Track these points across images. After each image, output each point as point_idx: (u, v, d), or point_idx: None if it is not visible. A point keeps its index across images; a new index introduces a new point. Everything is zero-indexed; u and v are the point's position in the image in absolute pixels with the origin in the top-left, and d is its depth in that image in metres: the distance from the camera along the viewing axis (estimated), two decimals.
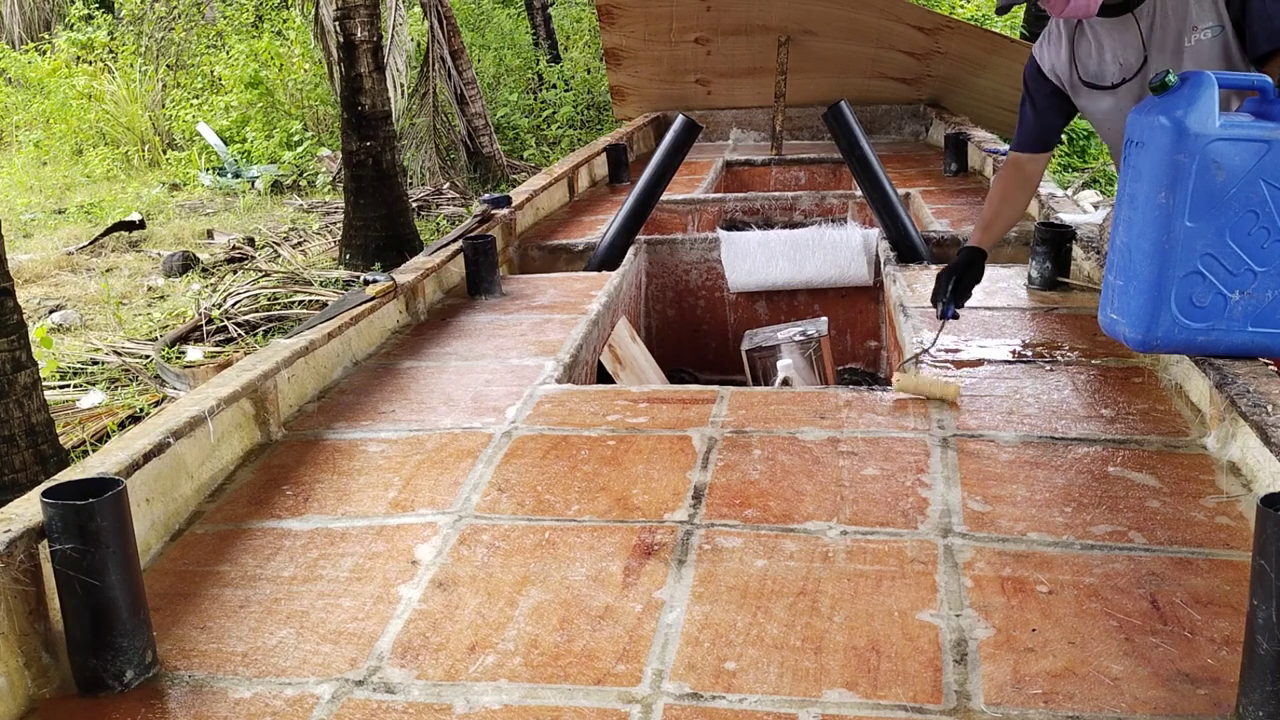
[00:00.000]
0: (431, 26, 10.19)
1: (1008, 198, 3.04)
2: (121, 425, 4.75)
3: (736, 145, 7.05)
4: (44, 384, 4.09)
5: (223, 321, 6.18)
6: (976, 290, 2.89)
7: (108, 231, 8.88)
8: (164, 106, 13.30)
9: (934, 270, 3.49)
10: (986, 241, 2.99)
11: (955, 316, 2.82)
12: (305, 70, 12.57)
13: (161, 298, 7.20)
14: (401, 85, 10.21)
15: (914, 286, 3.33)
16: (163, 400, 5.04)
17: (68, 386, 5.37)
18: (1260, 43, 2.62)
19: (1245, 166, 2.14)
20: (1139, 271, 2.25)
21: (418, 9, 11.02)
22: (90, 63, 14.61)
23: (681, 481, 2.09)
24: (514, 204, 4.29)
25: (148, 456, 1.90)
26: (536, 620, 1.65)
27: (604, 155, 5.81)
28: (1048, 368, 2.62)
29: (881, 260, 3.86)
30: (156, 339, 6.05)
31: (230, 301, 6.56)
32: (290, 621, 1.68)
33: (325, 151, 11.19)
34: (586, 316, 3.22)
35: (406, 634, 1.63)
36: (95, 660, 1.52)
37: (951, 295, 2.83)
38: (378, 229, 7.60)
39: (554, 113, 12.43)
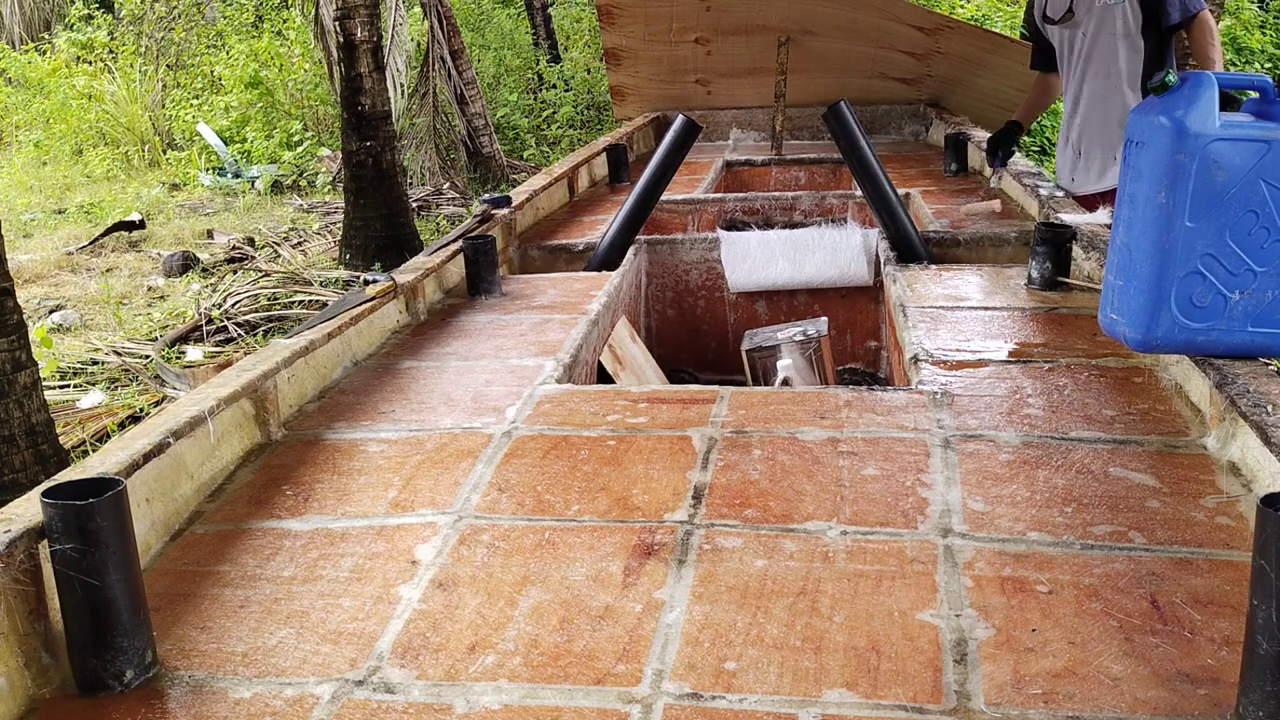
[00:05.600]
0: (431, 26, 10.19)
1: (1039, 102, 4.69)
2: (121, 425, 4.75)
3: (736, 145, 7.04)
4: (44, 384, 4.10)
5: (223, 321, 6.19)
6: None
7: (108, 231, 8.88)
8: (164, 106, 13.30)
9: (934, 270, 3.53)
10: (1022, 119, 4.58)
11: (1004, 165, 4.44)
12: (305, 70, 12.58)
13: (161, 298, 7.20)
14: (401, 85, 10.21)
15: (914, 286, 3.32)
16: (163, 400, 5.04)
17: (68, 386, 5.38)
18: (1173, 13, 3.08)
19: (1245, 166, 2.14)
20: (1139, 271, 2.25)
21: (418, 9, 11.02)
22: (90, 63, 14.62)
23: (681, 481, 2.09)
24: (514, 204, 4.29)
25: (148, 456, 1.90)
26: (536, 620, 1.65)
27: (604, 155, 5.80)
28: (1048, 368, 2.62)
29: (881, 260, 3.86)
30: (156, 339, 6.05)
31: (230, 301, 6.56)
32: (290, 621, 1.68)
33: (325, 151, 11.19)
34: (586, 316, 3.22)
35: (406, 634, 1.63)
36: (95, 660, 1.52)
37: (1000, 156, 4.42)
38: (378, 229, 7.61)
39: (554, 113, 12.43)
